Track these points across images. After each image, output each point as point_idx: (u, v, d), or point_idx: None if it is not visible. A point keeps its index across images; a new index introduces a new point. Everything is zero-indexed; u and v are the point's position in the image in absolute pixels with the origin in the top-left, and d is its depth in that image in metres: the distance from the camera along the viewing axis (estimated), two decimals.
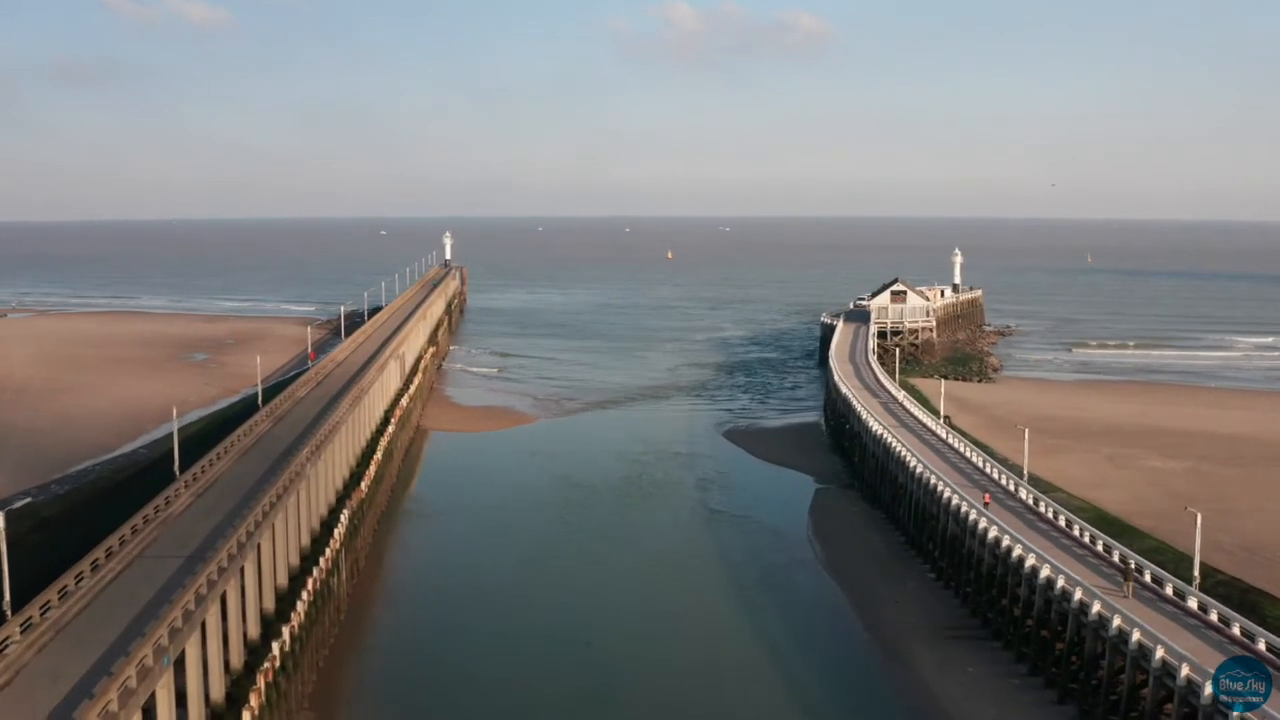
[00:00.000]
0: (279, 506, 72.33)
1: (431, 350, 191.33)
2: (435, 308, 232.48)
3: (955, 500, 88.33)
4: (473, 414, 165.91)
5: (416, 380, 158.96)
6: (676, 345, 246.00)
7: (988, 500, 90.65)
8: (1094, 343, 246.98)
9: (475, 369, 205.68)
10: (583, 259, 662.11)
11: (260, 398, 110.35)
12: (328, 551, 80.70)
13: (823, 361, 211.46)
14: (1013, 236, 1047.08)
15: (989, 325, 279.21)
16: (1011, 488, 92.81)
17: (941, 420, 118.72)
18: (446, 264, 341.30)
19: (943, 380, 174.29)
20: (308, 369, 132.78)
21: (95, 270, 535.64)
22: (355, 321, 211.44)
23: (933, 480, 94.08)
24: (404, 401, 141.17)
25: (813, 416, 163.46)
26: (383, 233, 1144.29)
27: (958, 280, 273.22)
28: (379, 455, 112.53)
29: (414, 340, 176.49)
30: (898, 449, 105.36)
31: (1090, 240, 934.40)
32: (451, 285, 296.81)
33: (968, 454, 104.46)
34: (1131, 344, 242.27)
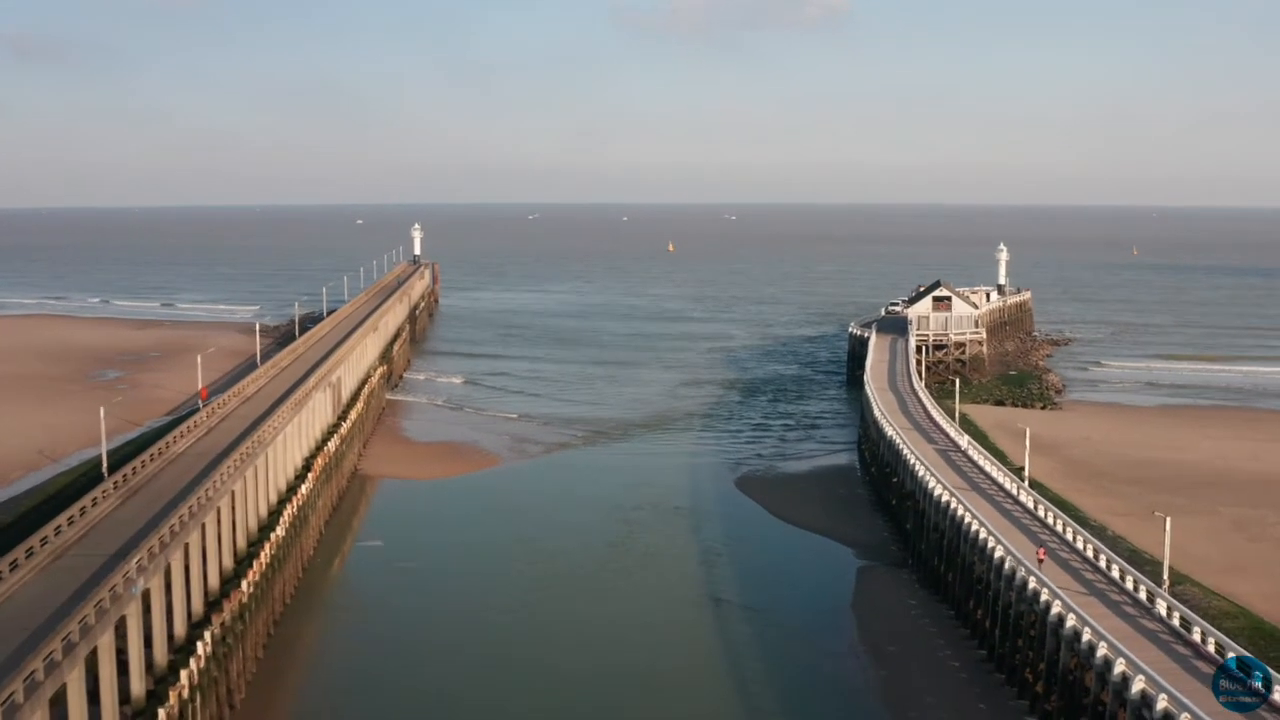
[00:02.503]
0: (73, 655, 50.83)
1: (381, 371, 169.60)
2: (393, 315, 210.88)
3: (1068, 619, 66.69)
4: (427, 453, 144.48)
5: (355, 413, 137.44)
6: (677, 359, 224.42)
7: (1042, 557, 75.56)
8: (1170, 357, 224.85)
9: (426, 398, 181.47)
10: (574, 251, 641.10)
11: (104, 466, 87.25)
12: (163, 712, 59.16)
13: (851, 379, 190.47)
14: (1047, 226, 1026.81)
15: (1039, 332, 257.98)
16: (1143, 595, 71.09)
17: (1025, 482, 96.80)
18: (415, 260, 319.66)
19: (1023, 419, 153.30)
20: (217, 402, 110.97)
21: (28, 265, 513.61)
22: (285, 337, 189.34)
23: (1030, 584, 72.42)
24: (332, 445, 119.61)
25: (845, 457, 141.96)
26: (359, 222, 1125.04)
27: (1003, 280, 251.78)
28: (280, 530, 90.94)
29: (357, 360, 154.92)
30: (975, 529, 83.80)
31: (1133, 231, 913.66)
32: (418, 286, 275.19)
33: (1069, 536, 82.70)
34: (1225, 362, 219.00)
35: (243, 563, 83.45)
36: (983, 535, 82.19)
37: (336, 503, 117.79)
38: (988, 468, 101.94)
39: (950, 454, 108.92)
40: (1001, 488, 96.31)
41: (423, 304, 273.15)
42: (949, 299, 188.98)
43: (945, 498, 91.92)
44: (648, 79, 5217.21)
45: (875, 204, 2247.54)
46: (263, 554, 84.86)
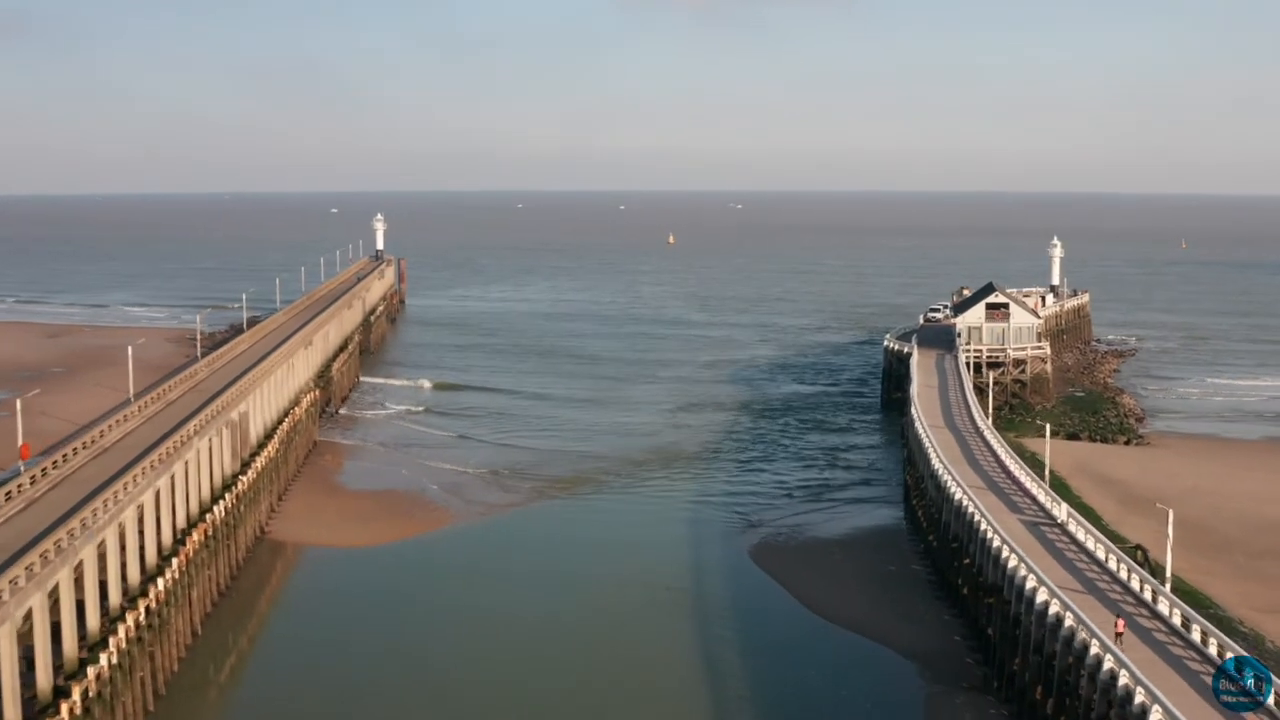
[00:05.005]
0: None
1: (313, 397, 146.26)
2: (339, 324, 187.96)
3: None
4: (360, 507, 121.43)
5: (265, 457, 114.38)
6: (676, 375, 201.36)
7: (1121, 629, 63.73)
8: (1258, 374, 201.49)
9: (363, 438, 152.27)
10: (564, 244, 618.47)
11: None
12: None
13: (887, 403, 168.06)
14: (1078, 216, 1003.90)
15: (1100, 341, 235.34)
16: None
17: (1167, 585, 73.26)
18: (378, 255, 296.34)
19: (1106, 459, 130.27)
20: (54, 459, 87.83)
21: None
22: (213, 347, 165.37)
23: None
24: (221, 507, 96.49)
25: (888, 513, 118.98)
26: (334, 210, 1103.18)
27: (1056, 280, 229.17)
28: (110, 658, 67.90)
29: (279, 385, 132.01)
30: (1107, 666, 60.77)
31: (1177, 221, 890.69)
32: (376, 287, 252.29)
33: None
34: None
35: (46, 711, 60.82)
36: (1123, 680, 59.21)
37: (225, 587, 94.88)
38: (1102, 554, 78.79)
39: (1043, 528, 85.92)
40: (1127, 588, 73.13)
41: (382, 308, 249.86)
42: (1006, 306, 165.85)
43: (1054, 608, 68.95)
44: (648, 58, 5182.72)
45: (891, 191, 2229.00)
46: (76, 694, 61.96)
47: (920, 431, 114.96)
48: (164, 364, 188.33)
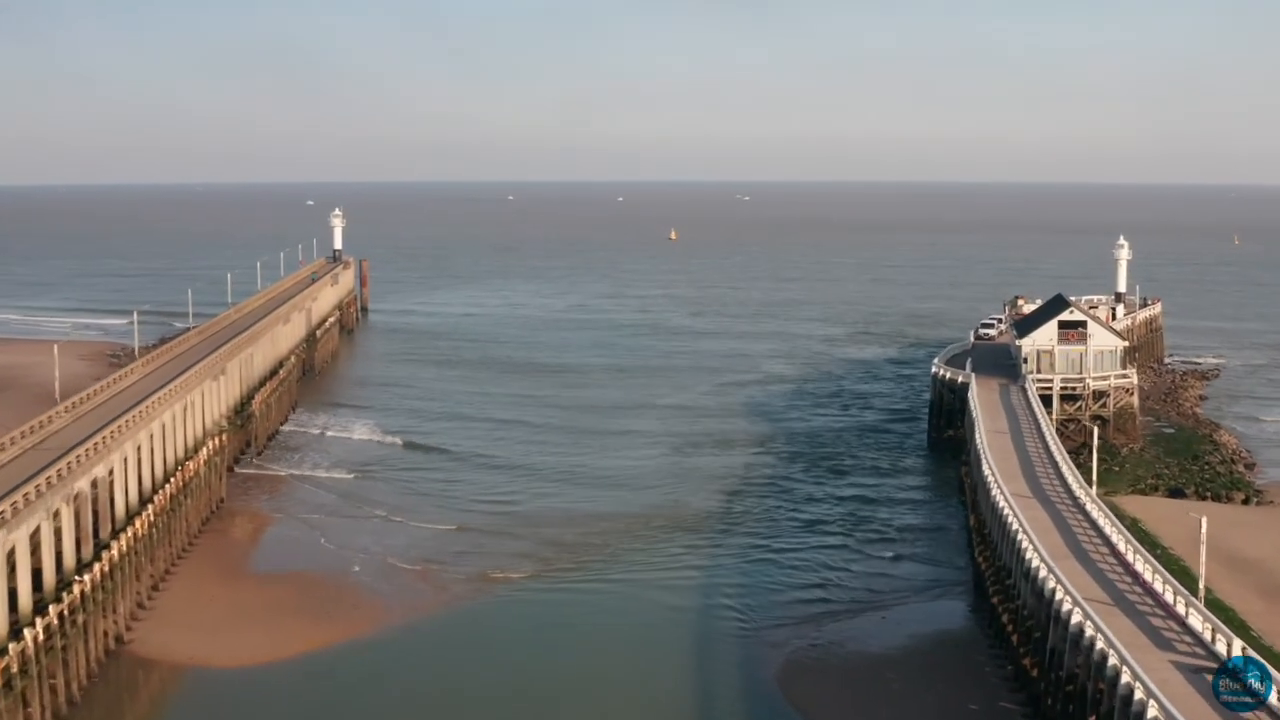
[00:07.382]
0: None
1: (218, 445, 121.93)
2: (271, 342, 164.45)
3: None
4: (265, 601, 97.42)
5: (128, 537, 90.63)
6: (677, 401, 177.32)
7: None
8: None
9: (277, 509, 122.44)
10: (556, 240, 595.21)
11: None
12: None
13: (936, 443, 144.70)
14: (1116, 209, 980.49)
15: (1174, 359, 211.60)
16: None
17: None
18: (335, 256, 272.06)
19: (1228, 526, 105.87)
20: None
21: None
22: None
23: None
24: (39, 628, 72.69)
25: (955, 609, 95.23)
26: (309, 202, 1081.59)
27: (1123, 287, 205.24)
28: None
29: (167, 434, 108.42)
30: None
31: (1225, 214, 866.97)
32: (327, 294, 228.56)
33: None
34: None
35: None
36: None
37: None
38: None
39: (1207, 676, 62.04)
40: None
41: (334, 319, 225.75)
42: (1083, 325, 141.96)
43: None
44: (650, 40, 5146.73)
45: (907, 182, 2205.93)
46: None
47: (1000, 503, 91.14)
48: (70, 388, 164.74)
